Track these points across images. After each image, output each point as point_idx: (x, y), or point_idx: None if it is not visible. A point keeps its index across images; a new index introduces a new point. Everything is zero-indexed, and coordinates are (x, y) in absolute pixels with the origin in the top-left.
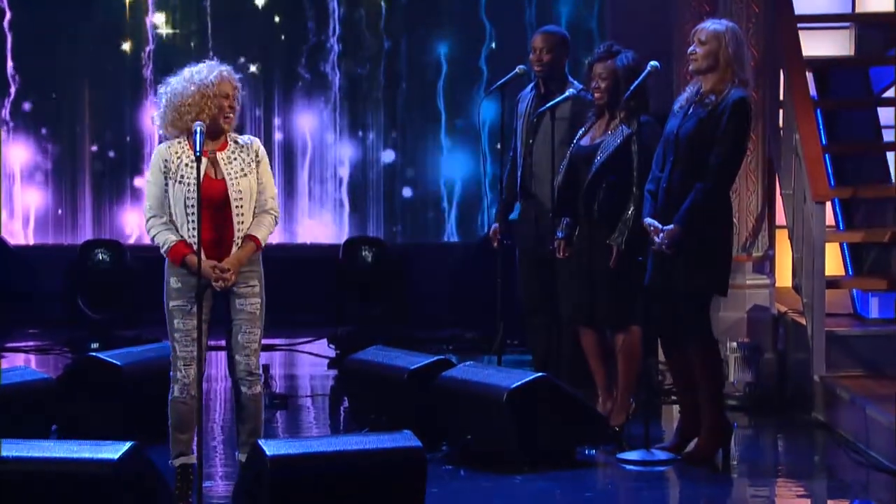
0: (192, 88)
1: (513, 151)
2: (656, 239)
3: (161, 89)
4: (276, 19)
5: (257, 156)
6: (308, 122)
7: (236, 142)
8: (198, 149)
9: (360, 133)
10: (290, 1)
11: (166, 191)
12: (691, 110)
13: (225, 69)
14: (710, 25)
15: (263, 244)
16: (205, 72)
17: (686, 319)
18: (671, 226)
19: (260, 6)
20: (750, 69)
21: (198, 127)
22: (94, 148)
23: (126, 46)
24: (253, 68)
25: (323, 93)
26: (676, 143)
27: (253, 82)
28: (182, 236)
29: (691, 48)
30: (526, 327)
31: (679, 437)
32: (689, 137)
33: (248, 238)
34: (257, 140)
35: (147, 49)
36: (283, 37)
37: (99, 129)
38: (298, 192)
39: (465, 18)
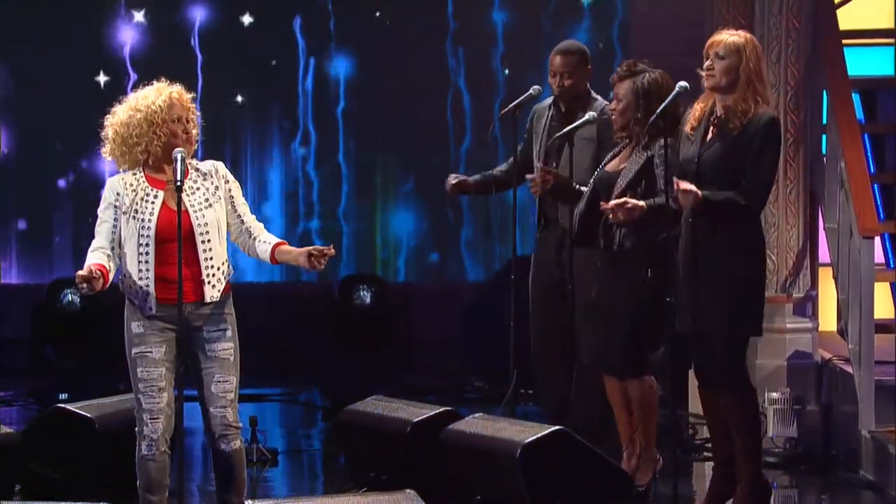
0: (139, 116)
1: (514, 155)
2: (682, 184)
3: (107, 120)
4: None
5: (226, 181)
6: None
7: (198, 170)
8: (178, 177)
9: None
10: None
11: (115, 226)
12: (710, 134)
13: (175, 90)
14: (728, 37)
15: None
16: (151, 96)
17: (721, 365)
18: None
19: None
20: (770, 85)
21: (178, 154)
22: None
23: None
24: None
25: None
26: (698, 170)
27: None
28: (110, 266)
29: (707, 63)
30: (536, 368)
31: (711, 497)
32: (713, 163)
33: (280, 244)
34: (221, 164)
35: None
36: None
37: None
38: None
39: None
